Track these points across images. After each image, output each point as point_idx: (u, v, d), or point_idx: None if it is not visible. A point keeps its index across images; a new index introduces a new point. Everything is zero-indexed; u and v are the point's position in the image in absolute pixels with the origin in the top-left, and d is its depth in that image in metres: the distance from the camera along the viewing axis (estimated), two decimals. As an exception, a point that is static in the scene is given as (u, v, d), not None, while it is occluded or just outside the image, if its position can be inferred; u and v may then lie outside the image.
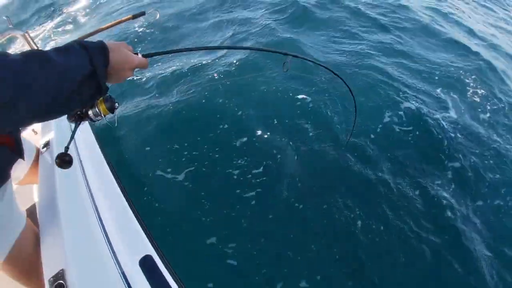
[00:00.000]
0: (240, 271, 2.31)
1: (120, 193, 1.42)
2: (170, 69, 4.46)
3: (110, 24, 2.63)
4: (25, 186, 1.96)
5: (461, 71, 4.68)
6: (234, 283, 2.26)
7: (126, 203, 1.38)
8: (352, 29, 5.46)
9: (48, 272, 1.05)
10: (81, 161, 1.59)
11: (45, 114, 0.81)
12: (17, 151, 1.32)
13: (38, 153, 1.88)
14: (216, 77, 4.14)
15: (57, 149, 1.63)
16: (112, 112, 1.10)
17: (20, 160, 1.49)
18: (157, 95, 3.96)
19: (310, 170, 3.02)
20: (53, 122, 1.97)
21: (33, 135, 2.79)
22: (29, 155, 1.76)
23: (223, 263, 2.32)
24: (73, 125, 1.12)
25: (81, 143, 1.85)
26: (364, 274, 2.38)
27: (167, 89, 4.02)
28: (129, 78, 1.01)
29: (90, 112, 1.07)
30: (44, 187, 1.48)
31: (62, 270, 1.04)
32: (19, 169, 1.70)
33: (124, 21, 2.55)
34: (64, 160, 1.02)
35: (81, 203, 1.34)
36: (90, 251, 1.14)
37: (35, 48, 3.70)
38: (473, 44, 5.72)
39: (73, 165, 1.58)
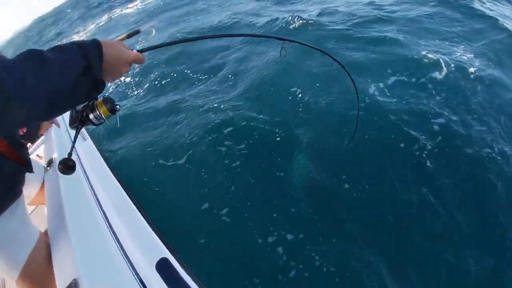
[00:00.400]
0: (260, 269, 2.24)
1: (128, 198, 1.39)
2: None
3: None
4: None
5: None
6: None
7: (135, 208, 1.34)
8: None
9: (61, 284, 1.01)
10: (85, 171, 1.57)
11: (45, 112, 0.81)
12: (26, 166, 1.34)
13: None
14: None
15: None
16: (114, 113, 1.10)
17: (31, 177, 1.50)
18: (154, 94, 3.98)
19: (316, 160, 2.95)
20: (54, 144, 1.96)
21: (38, 159, 2.81)
22: (38, 174, 1.78)
23: (241, 262, 2.26)
24: (73, 134, 1.12)
25: (82, 154, 1.83)
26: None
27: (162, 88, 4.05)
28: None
29: (91, 116, 1.06)
30: (52, 200, 1.46)
31: (75, 280, 1.00)
32: (31, 188, 1.71)
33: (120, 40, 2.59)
34: (68, 165, 0.99)
35: (89, 211, 1.31)
36: (103, 258, 1.10)
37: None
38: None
39: (78, 176, 1.57)
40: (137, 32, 2.62)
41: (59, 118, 2.46)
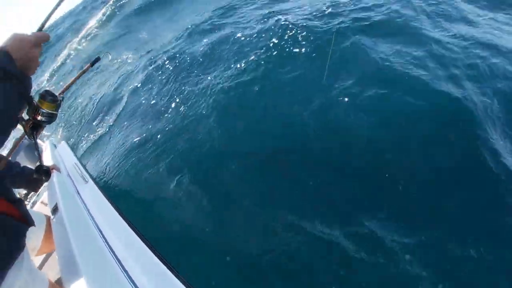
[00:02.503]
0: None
1: (137, 236, 1.38)
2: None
3: (75, 78, 2.79)
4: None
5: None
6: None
7: (145, 246, 1.34)
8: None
9: None
10: (90, 214, 1.58)
11: None
12: (25, 221, 1.34)
13: (49, 221, 1.89)
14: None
15: (67, 212, 1.61)
16: (58, 103, 1.13)
17: (33, 229, 1.50)
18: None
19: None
20: (57, 191, 1.95)
21: (43, 207, 2.81)
22: (40, 225, 1.77)
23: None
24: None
25: (86, 197, 1.83)
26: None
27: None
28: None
29: (39, 118, 1.08)
30: (61, 247, 1.45)
31: None
32: (34, 240, 1.70)
33: (86, 71, 2.74)
34: (41, 171, 1.06)
35: (101, 255, 1.31)
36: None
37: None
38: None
39: (85, 220, 1.57)
40: (98, 60, 2.84)
41: (59, 164, 2.48)
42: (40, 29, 1.10)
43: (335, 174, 2.71)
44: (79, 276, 1.21)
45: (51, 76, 10.62)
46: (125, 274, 1.21)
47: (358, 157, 2.78)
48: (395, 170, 2.65)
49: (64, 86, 2.72)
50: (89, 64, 2.72)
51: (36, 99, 1.08)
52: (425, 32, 4.05)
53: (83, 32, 13.69)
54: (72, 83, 2.62)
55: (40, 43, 1.03)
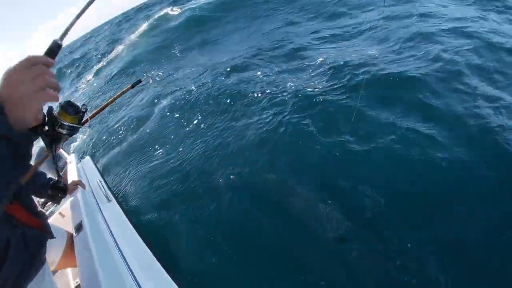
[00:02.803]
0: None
1: (155, 260, 1.47)
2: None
3: (114, 97, 2.96)
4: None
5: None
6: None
7: (163, 270, 1.42)
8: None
9: None
10: (112, 233, 1.66)
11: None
12: (46, 232, 1.42)
13: (70, 237, 1.97)
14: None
15: (91, 231, 1.70)
16: (81, 115, 1.04)
17: (53, 243, 1.58)
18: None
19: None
20: (82, 208, 2.02)
21: (61, 218, 2.91)
22: (60, 239, 1.85)
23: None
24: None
25: (108, 216, 1.92)
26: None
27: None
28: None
29: (61, 130, 0.98)
30: (84, 265, 1.53)
31: None
32: (54, 254, 1.78)
33: (126, 91, 2.88)
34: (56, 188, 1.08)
35: (120, 275, 1.39)
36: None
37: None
38: None
39: (106, 239, 1.66)
40: (139, 82, 2.97)
41: (83, 179, 2.61)
42: (49, 52, 0.82)
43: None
44: None
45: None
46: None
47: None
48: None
49: (102, 105, 2.91)
50: (130, 86, 2.87)
51: (57, 110, 0.99)
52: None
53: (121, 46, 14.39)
54: (111, 102, 2.77)
55: (39, 73, 0.71)
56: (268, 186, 3.19)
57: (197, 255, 2.63)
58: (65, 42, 0.92)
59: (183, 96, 5.81)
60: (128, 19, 24.59)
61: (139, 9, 28.06)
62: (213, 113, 4.81)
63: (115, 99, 2.88)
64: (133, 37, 14.48)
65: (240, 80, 5.56)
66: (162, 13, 15.30)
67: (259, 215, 2.88)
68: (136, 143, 4.99)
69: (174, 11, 14.65)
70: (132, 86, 2.85)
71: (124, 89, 2.87)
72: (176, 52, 9.46)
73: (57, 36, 0.88)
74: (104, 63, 13.10)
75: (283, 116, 4.10)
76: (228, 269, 2.49)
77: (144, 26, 14.85)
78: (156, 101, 6.21)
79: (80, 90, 11.45)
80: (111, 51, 14.71)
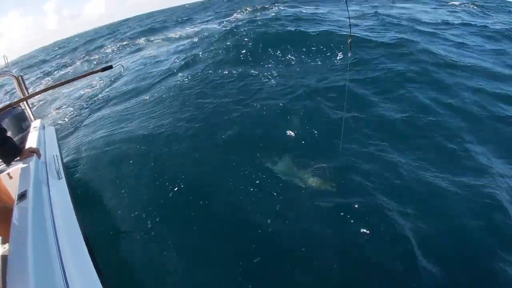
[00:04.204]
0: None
1: (89, 258, 1.58)
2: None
3: (82, 75, 3.07)
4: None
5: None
6: None
7: (93, 269, 1.54)
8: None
9: None
10: (53, 218, 1.75)
11: None
12: None
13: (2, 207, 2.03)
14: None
15: (33, 204, 1.75)
16: None
17: None
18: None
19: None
20: (31, 178, 2.00)
21: (8, 179, 2.91)
22: None
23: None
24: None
25: (54, 193, 1.98)
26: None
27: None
28: None
29: None
30: (17, 236, 1.57)
31: None
32: None
33: (95, 72, 2.99)
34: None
35: (48, 252, 1.49)
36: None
37: (26, 93, 4.02)
38: None
39: (47, 219, 1.75)
40: (109, 68, 3.06)
41: (41, 148, 2.65)
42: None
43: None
44: (25, 264, 1.38)
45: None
46: (63, 276, 1.42)
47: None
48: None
49: (68, 79, 2.97)
50: (100, 69, 2.95)
51: None
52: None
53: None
54: (77, 79, 2.86)
55: None
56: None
57: (131, 246, 2.73)
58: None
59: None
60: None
61: None
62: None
63: (82, 76, 2.96)
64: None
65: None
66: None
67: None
68: (102, 126, 5.04)
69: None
70: (102, 70, 2.92)
71: (94, 70, 2.99)
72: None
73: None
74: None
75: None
76: (158, 261, 2.63)
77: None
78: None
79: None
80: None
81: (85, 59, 15.46)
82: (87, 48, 22.11)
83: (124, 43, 17.17)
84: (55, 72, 14.17)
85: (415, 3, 15.90)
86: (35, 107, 7.89)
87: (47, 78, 12.88)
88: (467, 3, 15.57)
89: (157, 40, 14.52)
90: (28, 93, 3.71)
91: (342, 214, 2.88)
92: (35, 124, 3.09)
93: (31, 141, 2.78)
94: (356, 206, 2.93)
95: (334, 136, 3.78)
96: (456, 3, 15.84)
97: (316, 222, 2.84)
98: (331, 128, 4.11)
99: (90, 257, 1.59)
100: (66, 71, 13.31)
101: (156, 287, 2.44)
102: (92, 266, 1.54)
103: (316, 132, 4.11)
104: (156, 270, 2.55)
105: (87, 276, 1.51)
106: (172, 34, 15.30)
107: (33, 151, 2.42)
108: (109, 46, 18.19)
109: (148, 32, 19.32)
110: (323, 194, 3.09)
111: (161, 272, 2.54)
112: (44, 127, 3.11)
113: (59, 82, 3.26)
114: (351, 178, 3.27)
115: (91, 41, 27.10)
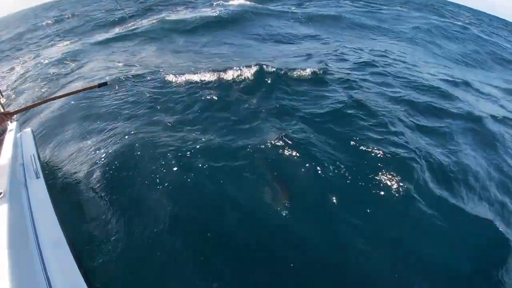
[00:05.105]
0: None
1: (68, 247, 1.55)
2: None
3: (77, 90, 3.15)
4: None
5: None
6: None
7: (72, 258, 1.51)
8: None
9: None
10: (32, 215, 1.72)
11: None
12: None
13: None
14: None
15: (10, 204, 1.70)
16: None
17: None
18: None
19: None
20: (7, 180, 1.93)
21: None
22: None
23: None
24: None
25: (32, 193, 1.93)
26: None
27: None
28: None
29: None
30: None
31: None
32: None
33: (90, 88, 3.07)
34: None
35: (29, 256, 1.45)
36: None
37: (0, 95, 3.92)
38: None
39: (25, 218, 1.70)
40: (105, 84, 3.17)
41: (17, 150, 2.57)
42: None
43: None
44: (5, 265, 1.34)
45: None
46: (44, 274, 1.39)
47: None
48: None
49: (63, 93, 3.06)
50: (96, 84, 3.03)
51: None
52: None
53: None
54: (73, 93, 2.91)
55: None
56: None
57: (113, 244, 2.68)
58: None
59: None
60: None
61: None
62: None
63: (77, 92, 3.06)
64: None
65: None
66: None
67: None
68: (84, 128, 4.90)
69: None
70: (98, 86, 3.04)
71: (90, 85, 3.14)
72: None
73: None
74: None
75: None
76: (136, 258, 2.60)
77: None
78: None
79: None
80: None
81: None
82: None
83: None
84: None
85: None
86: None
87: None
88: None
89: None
90: (2, 96, 3.67)
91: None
92: (11, 127, 3.00)
93: (7, 144, 2.70)
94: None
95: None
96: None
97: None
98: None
99: (73, 255, 1.56)
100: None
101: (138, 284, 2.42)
102: (76, 265, 1.52)
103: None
104: (138, 268, 2.53)
105: (71, 276, 1.48)
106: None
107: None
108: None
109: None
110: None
111: (142, 270, 2.52)
112: (20, 129, 3.02)
113: (48, 98, 3.40)
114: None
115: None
